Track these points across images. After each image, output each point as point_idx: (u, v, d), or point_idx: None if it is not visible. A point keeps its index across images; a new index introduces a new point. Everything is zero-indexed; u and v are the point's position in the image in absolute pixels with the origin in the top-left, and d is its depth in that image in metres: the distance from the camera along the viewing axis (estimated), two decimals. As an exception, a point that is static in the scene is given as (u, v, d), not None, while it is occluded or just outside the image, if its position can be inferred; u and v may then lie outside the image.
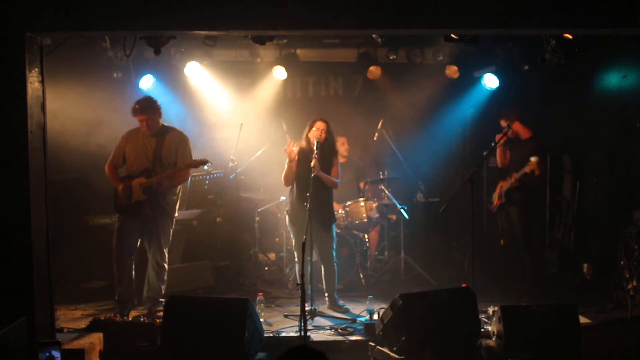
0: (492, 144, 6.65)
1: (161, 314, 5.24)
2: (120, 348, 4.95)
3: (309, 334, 5.05)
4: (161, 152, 5.89)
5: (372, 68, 8.17)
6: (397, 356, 4.61)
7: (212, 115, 8.20)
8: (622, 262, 6.04)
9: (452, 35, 5.39)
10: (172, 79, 7.90)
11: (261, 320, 5.14)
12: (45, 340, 4.26)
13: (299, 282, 4.94)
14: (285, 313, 6.10)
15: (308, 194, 5.66)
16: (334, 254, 6.24)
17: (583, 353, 4.62)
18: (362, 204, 7.32)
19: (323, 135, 6.10)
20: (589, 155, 7.52)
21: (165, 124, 6.05)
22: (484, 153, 6.72)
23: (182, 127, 6.25)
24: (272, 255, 8.05)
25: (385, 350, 4.76)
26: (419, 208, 8.21)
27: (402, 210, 7.54)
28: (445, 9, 4.55)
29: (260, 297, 5.88)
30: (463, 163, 8.19)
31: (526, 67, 7.13)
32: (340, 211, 7.23)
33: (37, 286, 4.42)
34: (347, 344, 5.25)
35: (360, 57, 8.24)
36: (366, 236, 7.57)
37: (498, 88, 7.82)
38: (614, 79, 6.98)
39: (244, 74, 8.27)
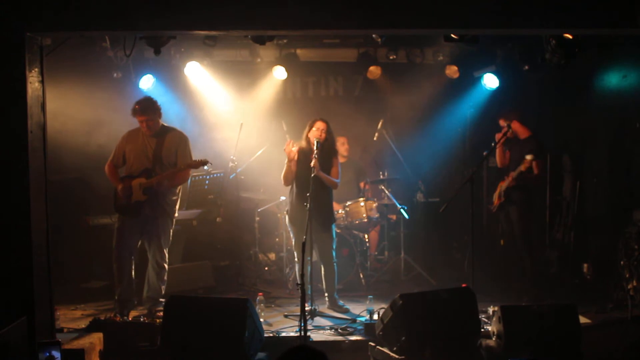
0: (492, 144, 6.65)
1: (161, 314, 5.24)
2: (120, 348, 4.95)
3: (309, 334, 5.05)
4: (161, 153, 5.89)
5: (372, 68, 8.17)
6: (397, 356, 4.61)
7: (212, 115, 8.21)
8: (622, 262, 6.04)
9: (452, 35, 5.39)
10: (172, 79, 7.90)
11: (261, 320, 5.14)
12: (45, 340, 4.26)
13: (299, 282, 4.94)
14: (285, 313, 6.10)
15: (308, 194, 5.66)
16: (334, 254, 6.24)
17: (583, 353, 4.62)
18: (362, 204, 7.32)
19: (323, 135, 6.10)
20: (588, 155, 7.53)
21: (165, 124, 6.05)
22: (484, 153, 6.73)
23: (182, 127, 6.25)
24: (272, 255, 8.05)
25: (385, 350, 4.76)
26: (419, 208, 8.21)
27: (402, 210, 7.55)
28: (445, 9, 4.55)
29: (260, 297, 5.88)
30: (463, 163, 8.20)
31: (526, 67, 7.13)
32: (340, 211, 7.23)
33: (37, 286, 4.42)
34: (347, 344, 5.25)
35: (360, 57, 8.24)
36: (366, 236, 7.57)
37: (498, 88, 7.82)
38: (614, 79, 6.98)
39: (244, 74, 8.27)
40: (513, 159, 6.67)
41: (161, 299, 5.87)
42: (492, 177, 7.62)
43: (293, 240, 6.38)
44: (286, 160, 6.12)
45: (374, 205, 7.44)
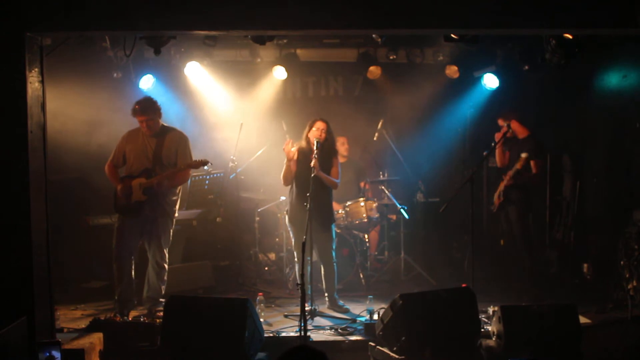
0: (492, 144, 6.66)
1: (161, 314, 5.24)
2: (120, 348, 4.95)
3: (309, 334, 5.05)
4: (161, 153, 5.89)
5: (372, 68, 8.16)
6: (397, 356, 4.61)
7: (212, 115, 8.21)
8: (622, 262, 6.04)
9: (452, 35, 5.40)
10: (172, 79, 7.90)
11: (261, 320, 5.14)
12: (45, 340, 4.26)
13: (299, 282, 4.94)
14: (285, 313, 6.10)
15: (308, 194, 5.66)
16: (334, 254, 6.24)
17: (583, 353, 4.62)
18: (362, 204, 7.32)
19: (323, 135, 6.10)
20: (588, 155, 7.53)
21: (165, 125, 6.05)
22: (484, 153, 6.74)
23: (182, 127, 6.25)
24: (272, 255, 8.05)
25: (385, 350, 4.76)
26: (419, 208, 8.21)
27: (402, 210, 7.55)
28: (445, 9, 4.55)
29: (260, 297, 5.88)
30: (463, 163, 8.19)
31: (526, 67, 7.13)
32: (340, 211, 7.23)
33: (37, 286, 4.42)
34: (347, 344, 5.25)
35: (360, 57, 8.24)
36: (366, 236, 7.57)
37: (498, 88, 7.82)
38: (614, 79, 6.98)
39: (244, 74, 8.27)
40: (512, 158, 6.67)
41: (161, 299, 5.87)
42: (492, 177, 7.62)
43: (293, 240, 6.38)
44: (285, 160, 6.12)
45: (374, 205, 7.44)
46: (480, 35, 5.52)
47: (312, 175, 5.78)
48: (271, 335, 5.28)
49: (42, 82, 4.55)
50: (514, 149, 6.69)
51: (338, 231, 6.84)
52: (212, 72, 7.86)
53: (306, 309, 5.13)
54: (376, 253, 8.05)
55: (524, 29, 5.00)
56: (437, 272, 7.51)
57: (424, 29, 5.19)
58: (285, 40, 7.54)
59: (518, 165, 6.33)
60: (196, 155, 5.98)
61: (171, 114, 7.20)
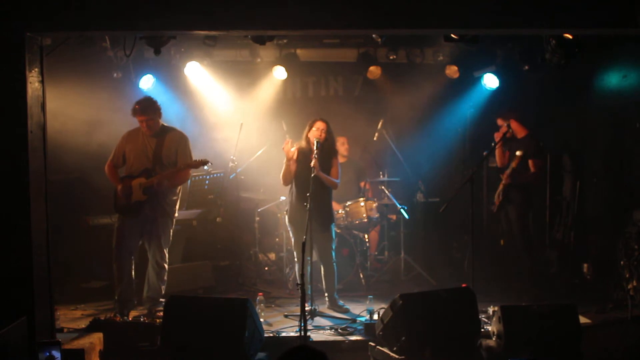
0: (492, 144, 6.66)
1: (161, 314, 5.24)
2: (120, 348, 4.95)
3: (309, 334, 5.05)
4: (161, 152, 5.89)
5: (372, 68, 8.16)
6: (397, 356, 4.62)
7: (212, 115, 8.20)
8: (622, 262, 6.05)
9: (452, 35, 5.40)
10: (172, 79, 7.90)
11: (261, 320, 5.14)
12: (45, 340, 4.26)
13: (299, 282, 4.94)
14: (285, 313, 6.10)
15: (308, 194, 5.66)
16: (333, 254, 6.24)
17: (583, 353, 4.62)
18: (362, 204, 7.32)
19: (323, 135, 6.10)
20: (588, 155, 7.53)
21: (165, 124, 6.05)
22: (484, 153, 6.74)
23: (182, 127, 6.25)
24: (272, 255, 8.05)
25: (385, 350, 4.76)
26: (419, 208, 8.21)
27: (402, 210, 7.55)
28: (445, 9, 4.55)
29: (260, 297, 5.88)
30: (463, 163, 8.19)
31: (526, 67, 7.13)
32: (340, 211, 7.23)
33: (37, 286, 4.42)
34: (347, 344, 5.25)
35: (360, 57, 8.23)
36: (366, 236, 7.57)
37: (498, 88, 7.82)
38: (614, 79, 6.98)
39: (244, 74, 8.27)
40: (512, 158, 6.67)
41: (161, 299, 5.87)
42: (492, 177, 7.62)
43: (293, 240, 6.38)
44: (285, 160, 6.12)
45: (374, 205, 7.44)
46: (480, 35, 5.52)
47: (312, 175, 5.78)
48: (271, 335, 5.28)
49: (42, 82, 4.55)
50: (512, 148, 6.70)
51: (338, 231, 6.84)
52: (212, 72, 7.86)
53: (306, 309, 5.13)
54: (376, 253, 8.05)
55: (524, 29, 5.00)
56: (437, 272, 7.51)
57: (424, 29, 5.19)
58: (285, 40, 7.54)
59: (513, 164, 6.36)
60: (196, 155, 5.98)
61: (171, 114, 7.20)
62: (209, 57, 7.74)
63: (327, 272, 6.21)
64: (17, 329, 3.90)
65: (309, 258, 5.77)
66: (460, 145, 8.38)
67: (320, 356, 2.40)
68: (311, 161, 5.88)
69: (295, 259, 6.57)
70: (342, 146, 7.64)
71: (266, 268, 7.81)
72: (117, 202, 5.89)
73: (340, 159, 6.66)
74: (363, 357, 5.00)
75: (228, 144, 7.56)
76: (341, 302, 6.22)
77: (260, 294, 5.96)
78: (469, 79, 8.14)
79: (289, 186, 6.24)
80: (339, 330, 5.46)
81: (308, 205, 5.58)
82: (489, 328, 5.03)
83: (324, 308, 6.17)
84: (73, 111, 6.78)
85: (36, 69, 4.49)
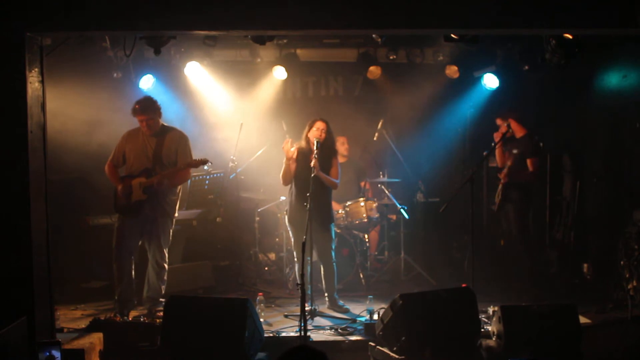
0: (492, 144, 6.66)
1: (161, 314, 5.24)
2: (120, 348, 4.95)
3: (309, 334, 5.05)
4: (161, 152, 5.89)
5: (372, 68, 8.16)
6: (397, 356, 4.61)
7: (212, 115, 8.20)
8: (622, 262, 6.05)
9: (452, 35, 5.39)
10: (172, 79, 7.90)
11: (261, 320, 5.14)
12: (45, 340, 4.26)
13: (299, 282, 4.94)
14: (285, 313, 6.10)
15: (308, 194, 5.66)
16: (333, 254, 6.24)
17: (583, 353, 4.62)
18: (362, 204, 7.32)
19: (323, 135, 6.10)
20: (588, 155, 7.53)
21: (165, 124, 6.05)
22: (484, 153, 6.74)
23: (182, 127, 6.25)
24: (272, 255, 8.05)
25: (385, 350, 4.76)
26: (419, 208, 8.21)
27: (402, 210, 7.55)
28: (445, 9, 4.55)
29: (260, 297, 5.88)
30: (463, 163, 8.20)
31: (526, 67, 7.14)
32: (340, 211, 7.23)
33: (37, 286, 4.42)
34: (347, 344, 5.25)
35: (360, 57, 8.23)
36: (366, 236, 7.57)
37: (498, 88, 7.82)
38: (614, 79, 6.98)
39: (244, 74, 8.27)
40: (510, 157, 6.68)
41: (161, 299, 5.87)
42: (492, 177, 7.62)
43: (293, 240, 6.38)
44: (285, 160, 6.12)
45: (374, 205, 7.44)
46: (480, 35, 5.52)
47: (312, 175, 5.78)
48: (271, 335, 5.28)
49: (42, 82, 4.55)
50: (511, 148, 6.70)
51: (338, 231, 6.84)
52: (212, 72, 7.86)
53: (306, 309, 5.13)
54: (376, 253, 8.05)
55: (524, 29, 4.99)
56: (437, 272, 7.51)
57: (424, 29, 5.19)
58: (285, 40, 7.53)
59: (509, 162, 6.37)
60: (196, 155, 5.98)
61: (171, 114, 7.19)
62: (209, 57, 7.74)
63: (327, 272, 6.21)
64: (17, 329, 3.90)
65: (309, 258, 5.77)
66: (460, 145, 8.38)
67: (320, 356, 2.39)
68: (311, 161, 5.88)
69: (295, 259, 6.57)
70: (342, 146, 7.63)
71: (266, 268, 7.81)
72: (117, 202, 5.89)
73: (340, 159, 6.65)
74: (363, 357, 4.99)
75: (228, 144, 7.56)
76: (341, 302, 6.22)
77: (260, 294, 5.96)
78: (469, 79, 8.14)
79: (289, 186, 6.24)
80: (339, 330, 5.46)
81: (308, 205, 5.58)
82: (489, 328, 5.02)
83: (324, 308, 6.17)
84: (73, 111, 6.77)
85: (36, 69, 4.49)
